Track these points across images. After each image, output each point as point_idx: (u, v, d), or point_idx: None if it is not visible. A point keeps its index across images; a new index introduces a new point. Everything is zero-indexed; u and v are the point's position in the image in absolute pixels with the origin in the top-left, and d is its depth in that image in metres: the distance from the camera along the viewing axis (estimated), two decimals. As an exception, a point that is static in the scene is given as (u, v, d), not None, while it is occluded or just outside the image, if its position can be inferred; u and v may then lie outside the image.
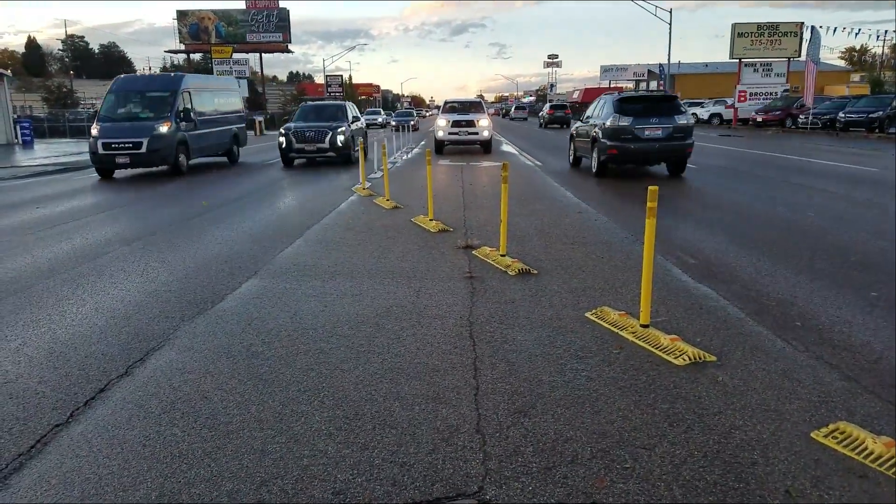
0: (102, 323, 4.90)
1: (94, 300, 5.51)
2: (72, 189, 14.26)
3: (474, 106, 23.70)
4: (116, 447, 3.06)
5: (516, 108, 74.29)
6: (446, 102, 24.38)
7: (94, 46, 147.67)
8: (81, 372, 3.97)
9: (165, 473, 2.83)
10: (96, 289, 5.87)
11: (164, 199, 12.09)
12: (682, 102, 14.53)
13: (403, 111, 58.41)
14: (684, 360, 3.96)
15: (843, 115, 30.46)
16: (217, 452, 2.99)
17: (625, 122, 13.16)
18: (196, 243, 7.87)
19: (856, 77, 67.13)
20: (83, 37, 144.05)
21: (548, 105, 53.25)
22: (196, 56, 69.25)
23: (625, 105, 13.55)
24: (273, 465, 2.88)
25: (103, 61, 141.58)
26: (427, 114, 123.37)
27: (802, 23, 40.60)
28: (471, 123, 21.59)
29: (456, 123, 21.70)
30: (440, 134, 22.00)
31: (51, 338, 4.60)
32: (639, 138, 13.15)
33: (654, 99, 14.81)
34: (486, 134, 21.80)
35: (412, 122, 41.79)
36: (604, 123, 13.58)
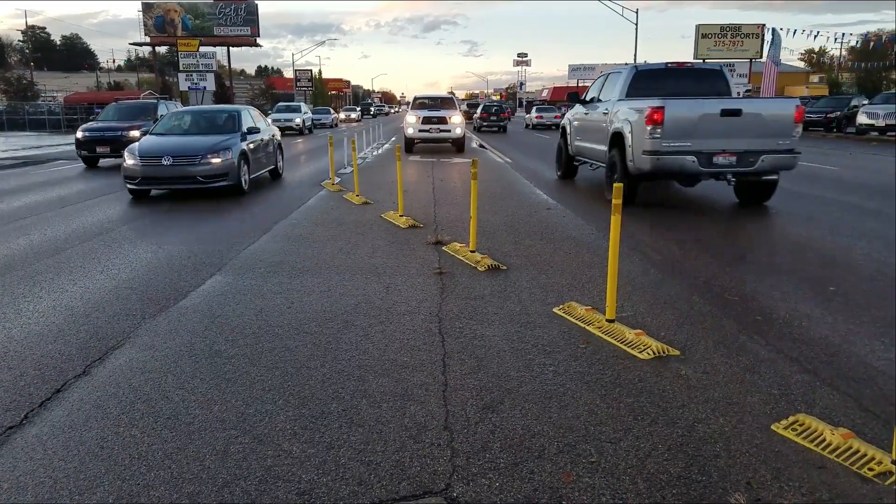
0: (60, 321, 4.76)
1: (52, 297, 5.35)
2: (31, 183, 13.85)
3: (446, 102, 22.32)
4: (73, 449, 2.97)
5: (469, 106, 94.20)
6: (416, 98, 22.88)
7: (56, 38, 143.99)
8: (37, 372, 3.85)
9: (123, 476, 2.76)
10: (54, 286, 5.70)
11: (127, 195, 11.78)
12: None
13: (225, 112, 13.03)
14: (649, 354, 4.00)
15: (803, 115, 31.21)
16: (178, 454, 2.92)
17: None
18: (159, 239, 7.70)
19: (815, 78, 68.84)
20: (44, 28, 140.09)
21: (480, 108, 42.14)
22: (162, 49, 67.85)
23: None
24: (236, 466, 2.83)
25: (65, 53, 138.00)
26: (392, 110, 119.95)
27: (764, 25, 41.53)
28: (442, 120, 20.25)
29: (426, 120, 20.32)
30: (410, 131, 20.62)
31: (5, 336, 4.45)
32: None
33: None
34: (458, 131, 20.39)
35: (269, 145, 13.24)
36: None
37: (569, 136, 12.70)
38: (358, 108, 74.76)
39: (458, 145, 20.80)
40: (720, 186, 10.72)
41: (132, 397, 3.50)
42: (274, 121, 32.72)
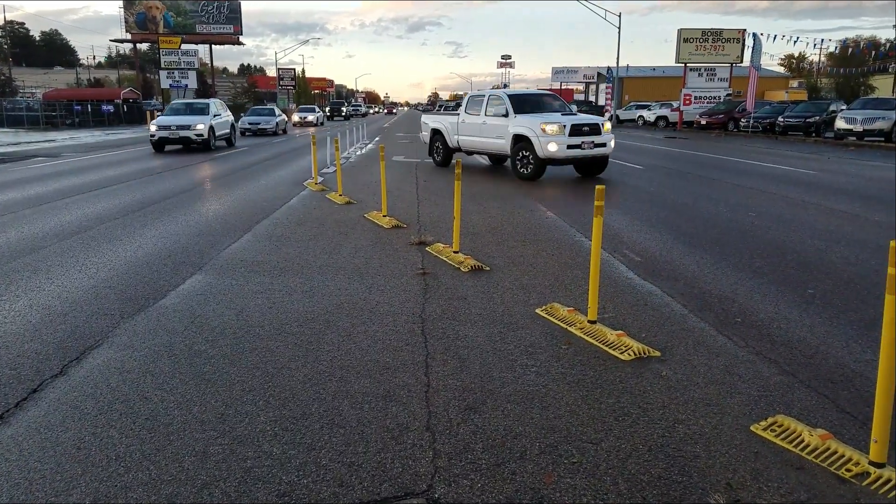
0: (37, 320, 4.69)
1: (29, 297, 5.26)
2: (8, 180, 13.62)
3: (553, 101, 15.11)
4: (49, 450, 2.93)
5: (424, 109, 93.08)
6: (514, 97, 14.48)
7: (36, 33, 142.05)
8: (13, 372, 3.78)
9: (101, 477, 2.72)
10: (31, 285, 5.61)
11: (108, 193, 11.64)
12: None
13: None
14: (630, 355, 4.02)
15: (782, 120, 31.58)
16: (156, 455, 2.89)
17: None
18: (138, 237, 7.61)
19: (794, 83, 69.73)
20: (23, 23, 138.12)
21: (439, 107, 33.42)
22: (143, 46, 67.12)
23: None
24: (215, 467, 2.80)
25: (45, 49, 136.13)
26: (372, 111, 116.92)
27: (745, 30, 41.97)
28: (595, 130, 13.21)
29: (576, 131, 12.88)
30: (552, 148, 12.71)
31: (-21, 336, 4.37)
32: None
33: None
34: (612, 145, 13.70)
35: None
36: None
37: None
38: (318, 109, 56.39)
39: (604, 164, 14.26)
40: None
41: (110, 398, 3.45)
42: (160, 127, 21.44)
